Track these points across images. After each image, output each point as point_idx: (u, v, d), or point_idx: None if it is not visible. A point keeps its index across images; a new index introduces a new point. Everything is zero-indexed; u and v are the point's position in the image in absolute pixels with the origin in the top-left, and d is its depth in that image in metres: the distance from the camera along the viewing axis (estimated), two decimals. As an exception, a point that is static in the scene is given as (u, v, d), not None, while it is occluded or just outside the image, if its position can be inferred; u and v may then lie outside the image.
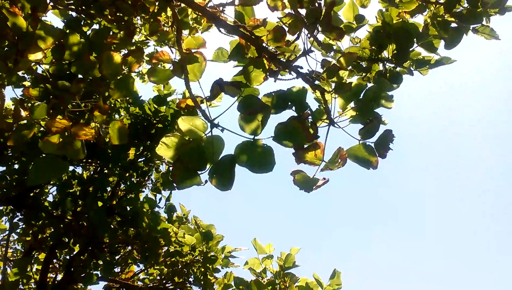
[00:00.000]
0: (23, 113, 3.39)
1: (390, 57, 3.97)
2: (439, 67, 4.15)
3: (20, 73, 4.97)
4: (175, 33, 3.24)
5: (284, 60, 3.02)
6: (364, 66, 4.07)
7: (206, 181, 3.00)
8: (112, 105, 7.12)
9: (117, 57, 3.55)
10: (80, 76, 3.86)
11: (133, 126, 7.14)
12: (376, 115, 3.36)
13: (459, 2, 4.16)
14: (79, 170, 7.78)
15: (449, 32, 4.07)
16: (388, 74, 4.01)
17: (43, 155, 6.47)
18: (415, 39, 4.05)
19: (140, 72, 8.02)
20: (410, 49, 4.09)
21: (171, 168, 7.84)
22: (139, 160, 7.58)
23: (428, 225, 29.74)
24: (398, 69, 4.09)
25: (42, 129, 4.99)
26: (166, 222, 7.53)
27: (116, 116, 7.56)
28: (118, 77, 3.58)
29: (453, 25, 4.20)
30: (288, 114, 3.21)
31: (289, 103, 3.21)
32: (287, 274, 7.67)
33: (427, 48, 4.11)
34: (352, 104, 3.42)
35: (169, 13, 4.83)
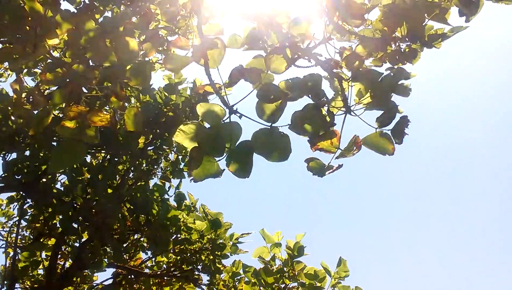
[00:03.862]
0: (42, 100, 3.41)
1: (403, 36, 3.88)
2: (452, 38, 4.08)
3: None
4: (195, 18, 3.23)
5: (304, 48, 3.02)
6: (378, 46, 4.01)
7: (223, 170, 2.97)
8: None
9: (133, 43, 3.55)
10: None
11: (143, 115, 7.14)
12: (393, 104, 3.36)
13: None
14: (87, 158, 7.83)
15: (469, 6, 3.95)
16: (402, 53, 3.95)
17: (56, 140, 6.53)
18: (425, 14, 4.00)
19: (151, 61, 8.00)
20: (423, 24, 3.99)
21: (180, 157, 7.89)
22: (149, 148, 7.61)
23: (440, 213, 29.70)
24: (412, 46, 4.01)
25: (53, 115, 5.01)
26: (176, 210, 7.56)
27: (126, 104, 7.56)
28: (134, 63, 3.59)
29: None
30: (302, 103, 3.21)
31: (305, 91, 3.21)
32: (296, 262, 7.70)
33: (438, 21, 4.06)
34: (368, 92, 3.41)
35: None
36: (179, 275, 8.23)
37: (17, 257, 7.83)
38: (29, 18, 3.44)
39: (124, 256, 7.83)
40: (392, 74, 3.31)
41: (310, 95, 3.17)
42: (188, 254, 7.88)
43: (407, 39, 3.48)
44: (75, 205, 7.04)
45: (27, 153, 6.71)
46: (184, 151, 7.78)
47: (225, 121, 2.94)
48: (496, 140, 26.00)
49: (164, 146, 7.57)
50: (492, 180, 27.71)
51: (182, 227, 7.43)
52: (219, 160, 2.93)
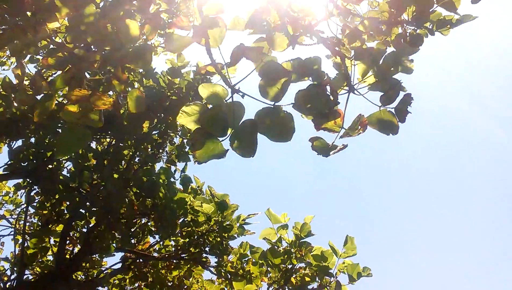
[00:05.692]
0: (43, 85, 3.40)
1: (410, 19, 3.84)
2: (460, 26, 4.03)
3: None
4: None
5: (306, 24, 2.99)
6: (383, 29, 3.98)
7: (227, 150, 2.94)
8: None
9: (134, 25, 3.52)
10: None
11: (147, 99, 7.13)
12: (396, 81, 3.33)
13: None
14: (93, 144, 7.84)
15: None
16: (408, 37, 3.92)
17: (61, 126, 6.54)
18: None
19: (152, 45, 7.96)
20: (430, 10, 3.95)
21: (185, 141, 7.88)
22: (153, 132, 7.61)
23: (445, 192, 29.59)
24: (418, 31, 3.97)
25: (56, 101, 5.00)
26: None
27: (129, 89, 7.54)
28: (135, 46, 3.56)
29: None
30: (304, 84, 3.17)
31: (306, 73, 3.17)
32: (303, 243, 7.71)
33: (447, 8, 4.00)
34: (371, 71, 3.38)
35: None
36: (187, 258, 8.28)
37: (26, 244, 7.89)
38: (29, 3, 3.42)
39: (132, 240, 7.88)
40: (394, 51, 3.27)
41: (311, 77, 3.14)
42: (196, 237, 7.90)
43: (414, 22, 3.42)
44: (82, 191, 7.07)
45: (33, 140, 6.72)
46: (189, 134, 7.78)
47: (227, 101, 2.92)
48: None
49: (168, 130, 7.56)
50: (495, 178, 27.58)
51: (188, 210, 7.43)
52: (223, 140, 2.91)
